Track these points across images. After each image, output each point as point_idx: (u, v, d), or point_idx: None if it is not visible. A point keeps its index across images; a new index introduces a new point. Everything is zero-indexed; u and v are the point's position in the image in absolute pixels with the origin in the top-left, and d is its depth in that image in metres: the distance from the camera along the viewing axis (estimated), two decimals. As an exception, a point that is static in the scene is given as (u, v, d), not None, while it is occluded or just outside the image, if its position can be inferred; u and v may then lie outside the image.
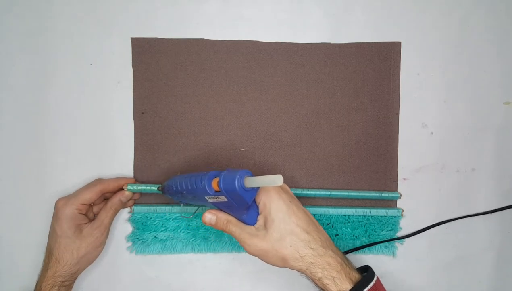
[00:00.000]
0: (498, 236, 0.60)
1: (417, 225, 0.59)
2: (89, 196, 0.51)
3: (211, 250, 0.57)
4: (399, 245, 0.59)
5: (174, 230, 0.57)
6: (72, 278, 0.51)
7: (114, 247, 0.57)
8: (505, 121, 0.60)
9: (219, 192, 0.44)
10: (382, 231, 0.58)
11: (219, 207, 0.47)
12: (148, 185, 0.55)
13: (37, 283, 0.50)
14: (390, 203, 0.60)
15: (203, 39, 0.57)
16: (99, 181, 0.53)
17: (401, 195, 0.59)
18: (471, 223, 0.60)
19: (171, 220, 0.57)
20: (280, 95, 0.58)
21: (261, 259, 0.46)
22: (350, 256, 0.58)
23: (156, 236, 0.57)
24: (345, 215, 0.58)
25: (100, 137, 0.57)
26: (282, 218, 0.45)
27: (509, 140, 0.60)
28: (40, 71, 0.56)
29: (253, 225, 0.46)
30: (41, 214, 0.55)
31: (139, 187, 0.54)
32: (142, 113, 0.57)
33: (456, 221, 0.60)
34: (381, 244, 0.58)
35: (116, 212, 0.54)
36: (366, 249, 0.58)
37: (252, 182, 0.42)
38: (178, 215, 0.56)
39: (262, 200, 0.46)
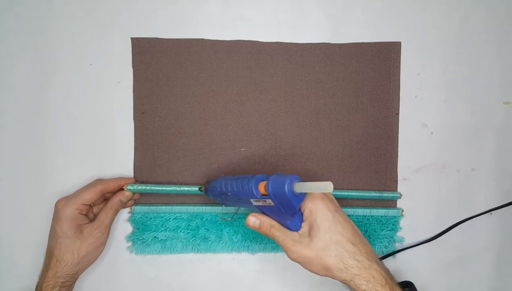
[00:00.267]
0: (498, 236, 0.60)
1: (417, 225, 0.59)
2: (90, 196, 0.51)
3: (211, 250, 0.57)
4: (399, 245, 0.59)
5: (174, 230, 0.57)
6: (73, 279, 0.51)
7: (114, 247, 0.57)
8: (505, 121, 0.60)
9: (266, 195, 0.44)
10: (382, 231, 0.58)
11: (263, 210, 0.47)
12: (148, 185, 0.55)
13: (37, 283, 0.50)
14: (390, 203, 0.60)
15: (203, 39, 0.57)
16: (99, 181, 0.53)
17: (401, 195, 0.59)
18: (471, 223, 0.60)
19: (171, 220, 0.56)
20: (280, 95, 0.58)
21: (302, 266, 0.46)
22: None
23: (156, 236, 0.57)
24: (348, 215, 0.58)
25: (100, 137, 0.57)
26: (328, 227, 0.44)
27: (509, 140, 0.60)
28: (40, 71, 0.56)
29: (297, 231, 0.46)
30: (41, 214, 0.55)
31: (139, 187, 0.54)
32: (142, 113, 0.57)
33: (456, 220, 0.60)
34: (381, 244, 0.58)
35: (116, 212, 0.54)
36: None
37: (301, 187, 0.42)
38: (178, 214, 0.56)
39: (308, 207, 0.45)
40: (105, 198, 0.56)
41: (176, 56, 0.57)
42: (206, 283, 0.58)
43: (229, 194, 0.48)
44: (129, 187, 0.54)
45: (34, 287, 0.50)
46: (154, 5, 0.57)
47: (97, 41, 0.56)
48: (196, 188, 0.55)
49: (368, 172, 0.59)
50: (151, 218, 0.56)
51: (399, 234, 0.59)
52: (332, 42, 0.58)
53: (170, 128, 0.57)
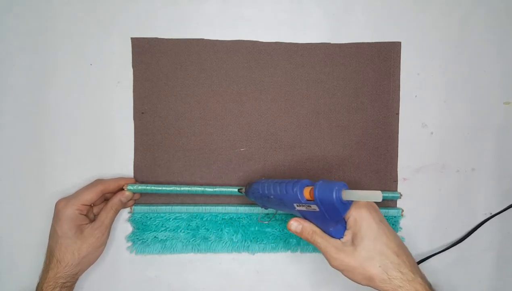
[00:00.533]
0: (498, 236, 0.60)
1: (417, 225, 0.60)
2: (90, 196, 0.51)
3: (211, 250, 0.57)
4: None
5: (174, 230, 0.57)
6: (73, 279, 0.51)
7: (114, 247, 0.57)
8: (505, 121, 0.60)
9: (311, 201, 0.44)
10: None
11: (305, 216, 0.47)
12: (148, 185, 0.55)
13: (38, 284, 0.50)
14: (390, 203, 0.60)
15: (203, 39, 0.57)
16: (99, 181, 0.53)
17: (401, 195, 0.59)
18: (471, 223, 0.60)
19: (171, 220, 0.56)
20: (280, 95, 0.58)
21: (343, 274, 0.46)
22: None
23: (156, 236, 0.56)
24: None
25: (100, 137, 0.57)
26: (373, 237, 0.44)
27: (509, 140, 0.60)
28: (40, 71, 0.56)
29: (339, 239, 0.46)
30: (41, 214, 0.55)
31: (140, 187, 0.54)
32: (142, 113, 0.57)
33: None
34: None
35: (116, 212, 0.54)
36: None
37: (350, 194, 0.42)
38: (178, 214, 0.56)
39: (353, 216, 0.45)
40: (105, 198, 0.55)
41: (176, 56, 0.57)
42: (206, 283, 0.58)
43: (272, 197, 0.48)
44: (129, 187, 0.54)
45: (35, 287, 0.50)
46: (154, 5, 0.57)
47: (97, 41, 0.56)
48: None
49: (368, 172, 0.59)
50: (151, 218, 0.56)
51: (399, 234, 0.59)
52: (332, 42, 0.58)
53: (170, 128, 0.57)
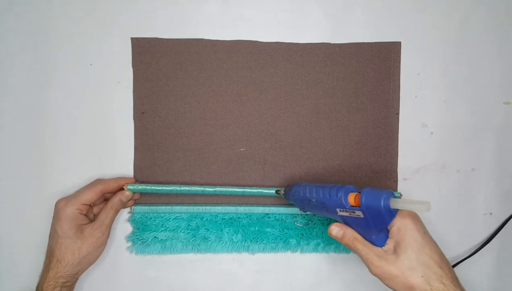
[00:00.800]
0: (498, 236, 0.60)
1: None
2: (90, 196, 0.51)
3: (211, 250, 0.57)
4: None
5: (174, 230, 0.57)
6: (73, 279, 0.51)
7: (114, 247, 0.57)
8: (505, 121, 0.60)
9: (355, 207, 0.45)
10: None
11: (347, 221, 0.47)
12: (148, 184, 0.55)
13: (38, 284, 0.50)
14: (390, 203, 0.59)
15: (203, 39, 0.57)
16: (99, 181, 0.53)
17: (401, 195, 0.59)
18: (471, 223, 0.60)
19: (171, 220, 0.56)
20: (280, 95, 0.58)
21: (383, 282, 0.46)
22: (350, 256, 0.59)
23: (156, 236, 0.56)
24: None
25: (100, 137, 0.57)
26: (416, 247, 0.44)
27: (509, 140, 0.60)
28: (40, 71, 0.56)
29: (380, 247, 0.46)
30: (41, 214, 0.55)
31: (140, 187, 0.54)
32: (142, 113, 0.57)
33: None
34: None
35: (116, 212, 0.54)
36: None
37: (398, 203, 0.42)
38: (178, 214, 0.56)
39: (397, 225, 0.45)
40: (105, 198, 0.55)
41: (176, 56, 0.57)
42: (206, 283, 0.58)
43: (313, 200, 0.49)
44: (129, 187, 0.54)
45: (35, 287, 0.50)
46: (154, 5, 0.57)
47: (97, 41, 0.56)
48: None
49: (368, 172, 0.59)
50: (151, 218, 0.56)
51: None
52: (332, 42, 0.58)
53: (170, 128, 0.57)
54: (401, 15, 0.59)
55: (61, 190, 0.55)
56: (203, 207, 0.57)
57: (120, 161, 0.57)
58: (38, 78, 0.56)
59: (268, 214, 0.57)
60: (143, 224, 0.56)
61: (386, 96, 0.59)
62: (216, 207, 0.57)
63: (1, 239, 0.56)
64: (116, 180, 0.54)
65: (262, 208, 0.57)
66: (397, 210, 0.45)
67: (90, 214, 0.54)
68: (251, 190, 0.56)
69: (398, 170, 0.59)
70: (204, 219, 0.57)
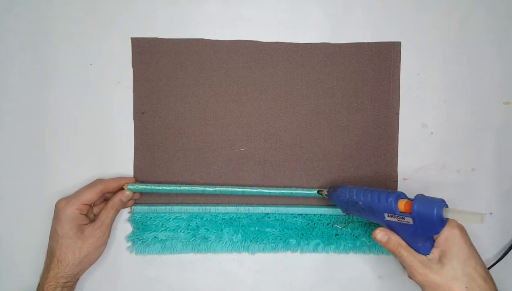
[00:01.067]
0: (498, 236, 0.60)
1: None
2: (90, 196, 0.51)
3: (211, 250, 0.57)
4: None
5: (174, 230, 0.57)
6: (74, 279, 0.51)
7: (114, 247, 0.57)
8: (505, 121, 0.60)
9: (405, 213, 0.45)
10: (382, 231, 0.58)
11: (393, 227, 0.48)
12: (148, 184, 0.55)
13: (39, 284, 0.50)
14: (390, 203, 0.59)
15: (203, 39, 0.57)
16: (99, 181, 0.53)
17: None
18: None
19: (171, 220, 0.56)
20: (280, 95, 0.58)
21: (425, 290, 0.46)
22: (350, 257, 0.59)
23: (156, 236, 0.56)
24: (345, 215, 0.58)
25: (100, 137, 0.57)
26: (462, 259, 0.45)
27: (509, 140, 0.60)
28: (40, 71, 0.56)
29: (425, 255, 0.46)
30: (41, 214, 0.55)
31: (140, 187, 0.54)
32: (142, 113, 0.57)
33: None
34: (381, 244, 0.58)
35: (117, 212, 0.54)
36: (367, 249, 0.58)
37: (451, 213, 0.43)
38: (178, 214, 0.56)
39: (444, 234, 0.45)
40: (105, 198, 0.56)
41: (176, 56, 0.57)
42: (206, 283, 0.58)
43: (360, 203, 0.49)
44: (130, 187, 0.54)
45: (35, 287, 0.50)
46: (154, 5, 0.57)
47: (97, 41, 0.56)
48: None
49: (368, 172, 0.59)
50: (151, 218, 0.56)
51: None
52: (332, 42, 0.58)
53: (170, 128, 0.57)
54: (401, 15, 0.59)
55: (61, 190, 0.55)
56: (203, 207, 0.57)
57: (120, 161, 0.57)
58: (38, 78, 0.56)
59: (268, 214, 0.57)
60: (143, 224, 0.56)
61: (386, 96, 0.59)
62: (216, 207, 0.57)
63: (1, 239, 0.56)
64: (116, 180, 0.54)
65: (262, 208, 0.57)
66: (447, 219, 0.45)
67: (90, 214, 0.54)
68: (251, 190, 0.56)
69: (398, 170, 0.59)
70: (204, 219, 0.57)
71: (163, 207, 0.56)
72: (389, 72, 0.59)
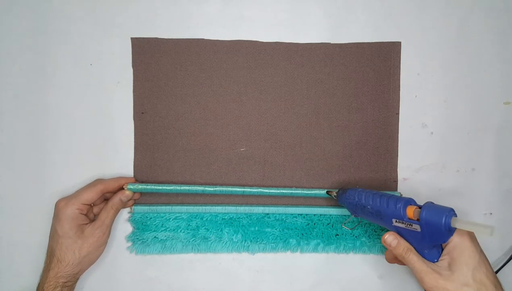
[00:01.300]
0: (498, 236, 0.60)
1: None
2: (90, 196, 0.51)
3: (211, 250, 0.57)
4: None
5: (174, 230, 0.57)
6: (74, 279, 0.51)
7: (114, 247, 0.57)
8: (505, 121, 0.60)
9: (413, 220, 0.45)
10: (382, 231, 0.58)
11: (401, 233, 0.48)
12: (148, 184, 0.55)
13: (38, 284, 0.50)
14: (390, 203, 0.59)
15: (203, 39, 0.57)
16: (99, 181, 0.54)
17: (401, 195, 0.59)
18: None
19: (171, 220, 0.56)
20: (280, 95, 0.58)
21: None
22: (350, 257, 0.59)
23: (156, 236, 0.56)
24: (345, 215, 0.58)
25: (100, 137, 0.57)
26: (473, 265, 0.45)
27: (509, 140, 0.60)
28: (40, 71, 0.56)
29: (433, 262, 0.46)
30: (41, 214, 0.55)
31: (140, 187, 0.55)
32: (142, 113, 0.57)
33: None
34: (381, 244, 0.58)
35: (117, 211, 0.54)
36: (367, 249, 0.58)
37: (459, 223, 0.43)
38: (178, 214, 0.56)
39: (453, 242, 0.46)
40: (105, 198, 0.56)
41: (176, 56, 0.57)
42: (206, 283, 0.58)
43: (369, 207, 0.49)
44: (130, 186, 0.54)
45: (35, 287, 0.50)
46: (154, 5, 0.57)
47: (97, 41, 0.56)
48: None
49: (368, 172, 0.59)
50: (151, 218, 0.56)
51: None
52: (332, 42, 0.58)
53: (170, 128, 0.57)
54: (401, 15, 0.59)
55: (61, 190, 0.55)
56: (203, 207, 0.57)
57: (120, 161, 0.57)
58: (38, 78, 0.56)
59: (268, 214, 0.57)
60: (143, 224, 0.56)
61: (386, 96, 0.59)
62: (216, 207, 0.57)
63: (1, 239, 0.56)
64: (116, 180, 0.54)
65: (262, 208, 0.57)
66: (455, 228, 0.45)
67: (90, 214, 0.54)
68: (251, 190, 0.56)
69: (398, 170, 0.59)
70: (204, 219, 0.57)
71: (163, 207, 0.56)
72: (389, 72, 0.59)
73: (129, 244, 0.57)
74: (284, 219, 0.58)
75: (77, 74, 0.56)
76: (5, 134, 0.56)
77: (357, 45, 0.58)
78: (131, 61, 0.57)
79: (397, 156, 0.59)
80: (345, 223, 0.57)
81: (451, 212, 0.44)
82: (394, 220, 0.47)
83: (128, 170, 0.57)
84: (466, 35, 0.59)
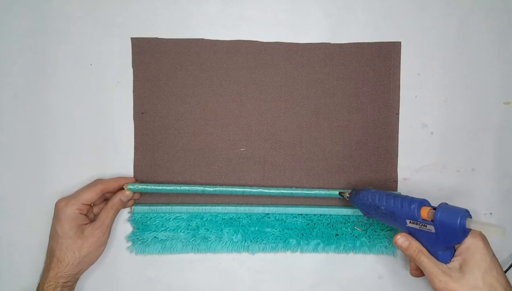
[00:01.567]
0: (498, 236, 0.60)
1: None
2: (90, 196, 0.51)
3: (211, 250, 0.57)
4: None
5: (174, 230, 0.57)
6: (74, 279, 0.51)
7: (114, 247, 0.57)
8: (505, 121, 0.60)
9: (427, 221, 0.45)
10: (382, 231, 0.58)
11: (414, 234, 0.48)
12: (148, 184, 0.55)
13: (38, 284, 0.50)
14: (390, 203, 0.59)
15: (203, 39, 0.57)
16: (99, 181, 0.54)
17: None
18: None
19: (171, 220, 0.56)
20: (280, 95, 0.58)
21: None
22: (350, 257, 0.59)
23: (156, 236, 0.56)
24: (345, 215, 0.58)
25: (100, 137, 0.57)
26: (484, 268, 0.45)
27: (509, 140, 0.60)
28: (40, 71, 0.56)
29: (445, 263, 0.46)
30: (41, 214, 0.55)
31: (140, 187, 0.55)
32: (142, 113, 0.57)
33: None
34: (381, 244, 0.58)
35: (117, 211, 0.54)
36: (367, 249, 0.58)
37: (474, 224, 0.43)
38: (178, 214, 0.56)
39: (466, 244, 0.46)
40: (105, 198, 0.56)
41: (176, 56, 0.57)
42: (206, 283, 0.58)
43: (382, 208, 0.49)
44: (130, 186, 0.54)
45: (35, 287, 0.50)
46: (154, 5, 0.57)
47: (97, 41, 0.56)
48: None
49: (368, 172, 0.59)
50: (151, 218, 0.56)
51: (399, 234, 0.59)
52: (332, 42, 0.58)
53: (170, 128, 0.57)
54: (401, 15, 0.59)
55: (61, 190, 0.55)
56: (203, 207, 0.57)
57: (120, 161, 0.57)
58: (38, 78, 0.56)
59: (268, 214, 0.57)
60: (143, 224, 0.56)
61: (386, 96, 0.59)
62: (216, 207, 0.57)
63: (1, 239, 0.56)
64: (116, 180, 0.54)
65: (262, 208, 0.57)
66: (470, 229, 0.45)
67: (90, 214, 0.54)
68: (251, 190, 0.56)
69: (398, 170, 0.59)
70: (204, 219, 0.57)
71: (163, 207, 0.56)
72: (389, 72, 0.59)
73: (129, 244, 0.57)
74: (284, 219, 0.58)
75: (77, 74, 0.56)
76: (5, 134, 0.56)
77: (357, 45, 0.58)
78: (131, 61, 0.57)
79: (397, 156, 0.59)
80: (356, 224, 0.57)
81: (466, 213, 0.44)
82: (408, 221, 0.47)
83: (128, 170, 0.57)
84: (466, 35, 0.59)
